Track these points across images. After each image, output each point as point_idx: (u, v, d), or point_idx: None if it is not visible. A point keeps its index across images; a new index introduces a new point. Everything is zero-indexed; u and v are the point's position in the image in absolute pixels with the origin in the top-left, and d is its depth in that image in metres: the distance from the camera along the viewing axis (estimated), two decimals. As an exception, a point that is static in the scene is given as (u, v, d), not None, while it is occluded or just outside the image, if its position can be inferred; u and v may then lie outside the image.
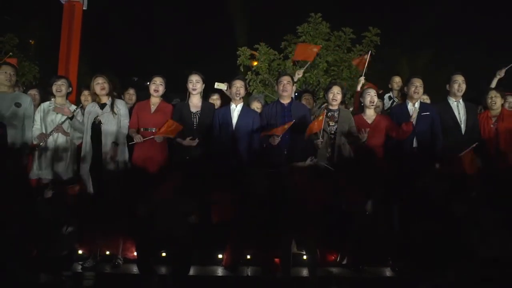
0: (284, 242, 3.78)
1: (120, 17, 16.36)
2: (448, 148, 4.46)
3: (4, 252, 3.60)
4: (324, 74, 10.96)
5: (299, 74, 5.65)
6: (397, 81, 5.81)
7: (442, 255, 3.73)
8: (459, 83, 4.66)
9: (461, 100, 4.71)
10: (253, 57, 13.68)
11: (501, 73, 5.31)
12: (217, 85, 5.04)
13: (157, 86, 4.60)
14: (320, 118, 4.27)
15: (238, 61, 10.85)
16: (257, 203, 3.97)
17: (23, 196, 4.01)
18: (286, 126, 4.27)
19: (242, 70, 10.95)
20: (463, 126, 4.60)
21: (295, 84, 4.86)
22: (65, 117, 4.51)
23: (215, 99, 5.14)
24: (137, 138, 4.41)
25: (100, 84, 4.55)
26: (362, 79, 5.52)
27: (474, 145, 4.34)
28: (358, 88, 5.39)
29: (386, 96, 5.82)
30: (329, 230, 4.03)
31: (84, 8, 7.87)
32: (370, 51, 6.34)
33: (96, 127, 4.51)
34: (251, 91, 10.92)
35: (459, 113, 4.65)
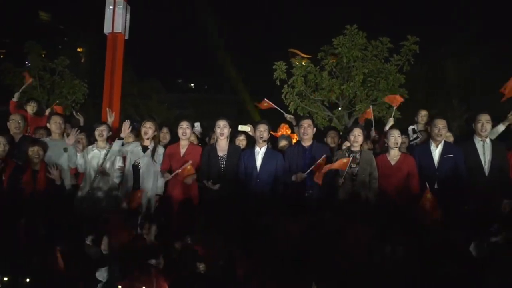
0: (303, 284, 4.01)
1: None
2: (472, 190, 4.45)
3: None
4: (360, 85, 10.90)
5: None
6: (423, 114, 5.78)
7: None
8: (482, 123, 4.57)
9: (487, 140, 4.60)
10: (294, 55, 13.69)
11: None
12: (241, 128, 5.26)
13: (184, 130, 4.88)
14: (345, 160, 4.46)
15: (274, 75, 11.02)
16: (279, 244, 4.21)
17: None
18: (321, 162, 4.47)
19: (278, 83, 11.12)
20: (486, 167, 4.48)
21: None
22: (103, 159, 4.94)
23: (241, 140, 5.30)
24: (165, 177, 4.77)
25: (145, 128, 4.92)
26: (391, 120, 5.56)
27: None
28: (387, 128, 5.35)
29: (410, 128, 5.79)
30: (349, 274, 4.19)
31: (125, 38, 8.42)
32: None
33: (135, 169, 4.90)
34: (287, 104, 11.11)
35: (484, 153, 4.53)
